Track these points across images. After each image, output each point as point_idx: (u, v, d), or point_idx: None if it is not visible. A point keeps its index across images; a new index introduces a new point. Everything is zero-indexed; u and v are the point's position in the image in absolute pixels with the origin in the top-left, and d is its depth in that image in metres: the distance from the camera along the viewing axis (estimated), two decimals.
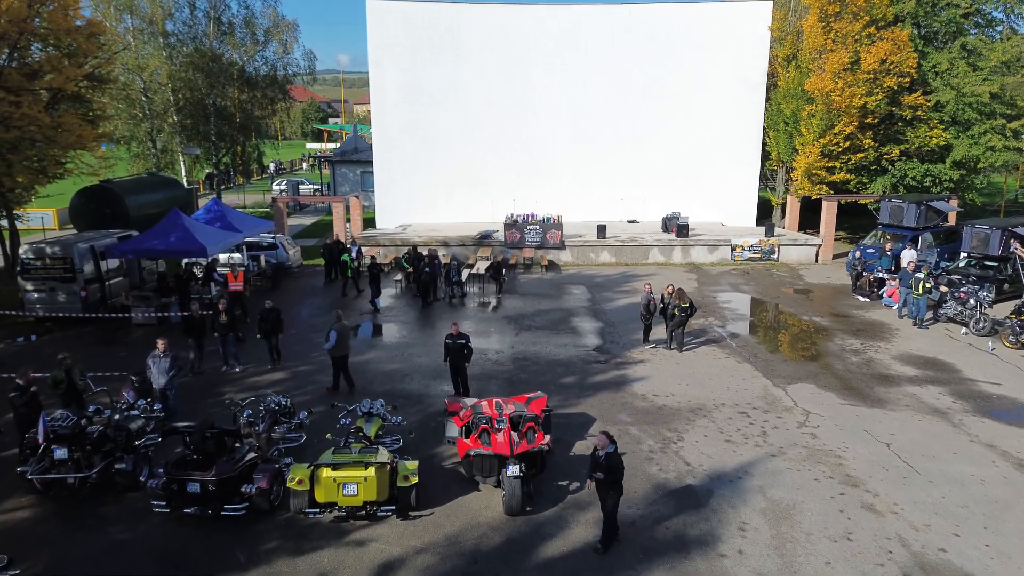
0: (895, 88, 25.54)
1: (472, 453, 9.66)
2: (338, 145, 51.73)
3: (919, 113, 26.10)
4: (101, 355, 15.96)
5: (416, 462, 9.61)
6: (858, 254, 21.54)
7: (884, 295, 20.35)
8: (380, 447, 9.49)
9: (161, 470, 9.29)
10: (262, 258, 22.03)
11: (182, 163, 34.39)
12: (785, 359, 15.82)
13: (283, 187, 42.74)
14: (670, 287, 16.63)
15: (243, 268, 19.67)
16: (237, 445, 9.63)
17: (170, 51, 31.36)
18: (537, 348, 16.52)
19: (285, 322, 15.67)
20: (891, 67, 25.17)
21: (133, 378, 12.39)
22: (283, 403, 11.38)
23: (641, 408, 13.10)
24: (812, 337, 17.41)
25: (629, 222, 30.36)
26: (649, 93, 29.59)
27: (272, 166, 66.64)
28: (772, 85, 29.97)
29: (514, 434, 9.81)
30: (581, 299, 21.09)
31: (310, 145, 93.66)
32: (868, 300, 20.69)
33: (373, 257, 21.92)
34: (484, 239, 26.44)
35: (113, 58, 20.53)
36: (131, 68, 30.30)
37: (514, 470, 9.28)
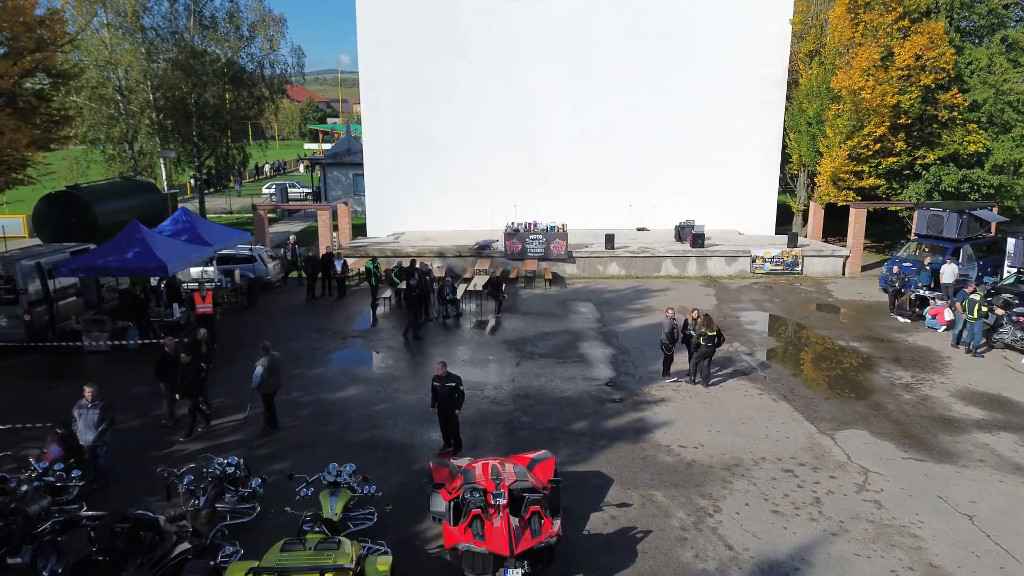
0: (931, 86, 23.43)
1: (462, 548, 7.57)
2: (330, 146, 49.56)
3: (955, 114, 23.98)
4: (41, 393, 13.88)
5: (390, 558, 7.51)
6: (896, 269, 19.34)
7: (927, 315, 18.21)
8: (342, 540, 7.40)
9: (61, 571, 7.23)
10: (236, 273, 19.91)
11: (163, 166, 32.29)
12: (826, 396, 13.68)
13: (272, 191, 40.61)
14: (694, 312, 14.52)
15: (213, 286, 17.54)
16: (159, 537, 7.54)
17: (148, 47, 29.24)
18: (541, 382, 14.42)
19: (250, 350, 13.62)
20: (926, 63, 23.09)
21: (58, 431, 10.31)
22: (233, 468, 9.31)
23: (666, 465, 10.99)
24: (854, 367, 15.25)
25: (639, 230, 28.24)
26: (660, 91, 27.47)
27: (268, 166, 64.61)
28: (793, 83, 27.86)
29: (514, 520, 7.72)
30: (589, 319, 18.96)
31: (308, 146, 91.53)
32: (909, 321, 18.54)
33: (369, 268, 19.75)
34: (483, 249, 24.36)
35: (52, 56, 18.36)
36: (103, 64, 28.20)
37: (514, 574, 7.21)
